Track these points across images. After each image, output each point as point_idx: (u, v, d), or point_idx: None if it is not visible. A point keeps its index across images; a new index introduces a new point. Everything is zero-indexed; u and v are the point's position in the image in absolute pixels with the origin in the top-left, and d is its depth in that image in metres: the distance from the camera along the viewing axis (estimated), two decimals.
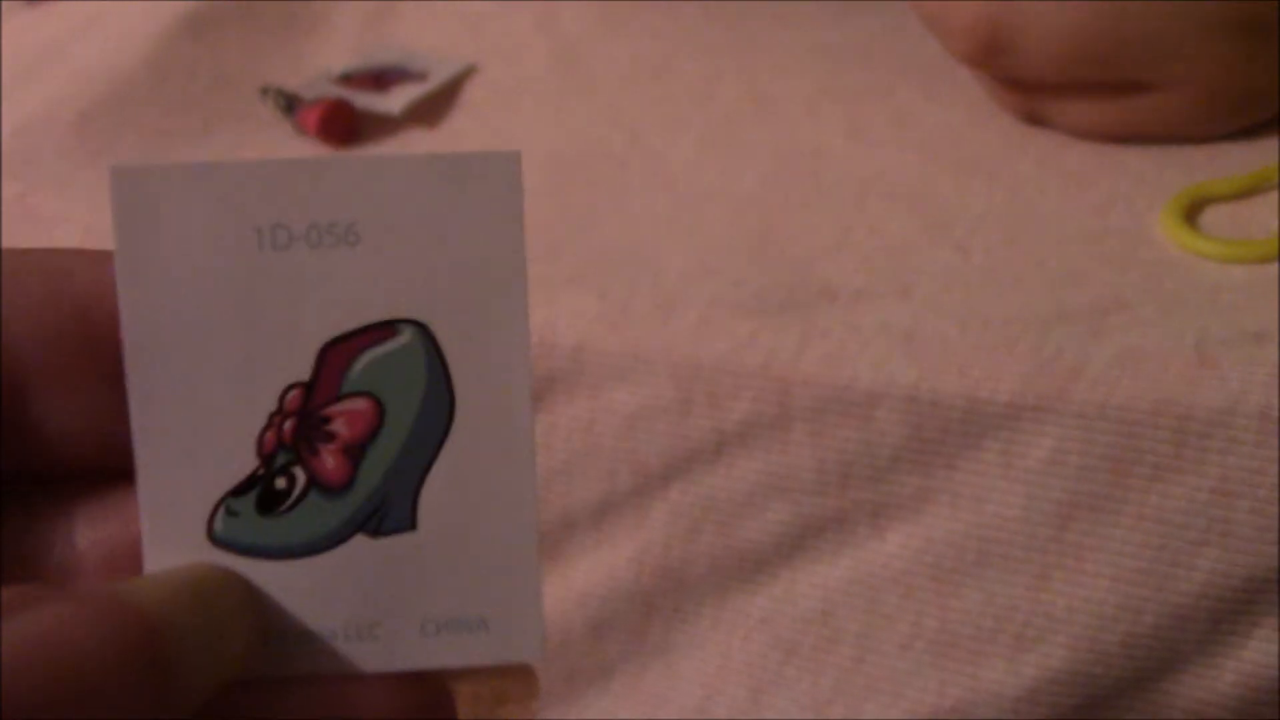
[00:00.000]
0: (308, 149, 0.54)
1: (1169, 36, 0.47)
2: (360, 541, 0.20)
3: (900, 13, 0.58)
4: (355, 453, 0.20)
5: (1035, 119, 0.52)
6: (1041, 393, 0.41)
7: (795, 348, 0.43)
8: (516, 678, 0.22)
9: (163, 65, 0.59)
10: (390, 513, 0.20)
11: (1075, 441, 0.40)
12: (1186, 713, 0.41)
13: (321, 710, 0.20)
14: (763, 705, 0.45)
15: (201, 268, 0.19)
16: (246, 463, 0.20)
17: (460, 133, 0.57)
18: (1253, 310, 0.42)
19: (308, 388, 0.20)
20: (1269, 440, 0.39)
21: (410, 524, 0.20)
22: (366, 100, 0.56)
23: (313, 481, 0.20)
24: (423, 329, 0.20)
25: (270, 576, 0.20)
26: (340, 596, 0.20)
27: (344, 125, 0.55)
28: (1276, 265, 0.44)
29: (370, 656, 0.20)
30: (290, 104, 0.56)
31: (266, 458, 0.20)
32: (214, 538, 0.20)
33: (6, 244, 0.20)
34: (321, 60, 0.62)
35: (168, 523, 0.20)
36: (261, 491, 0.20)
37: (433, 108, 0.58)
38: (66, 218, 0.50)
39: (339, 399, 0.20)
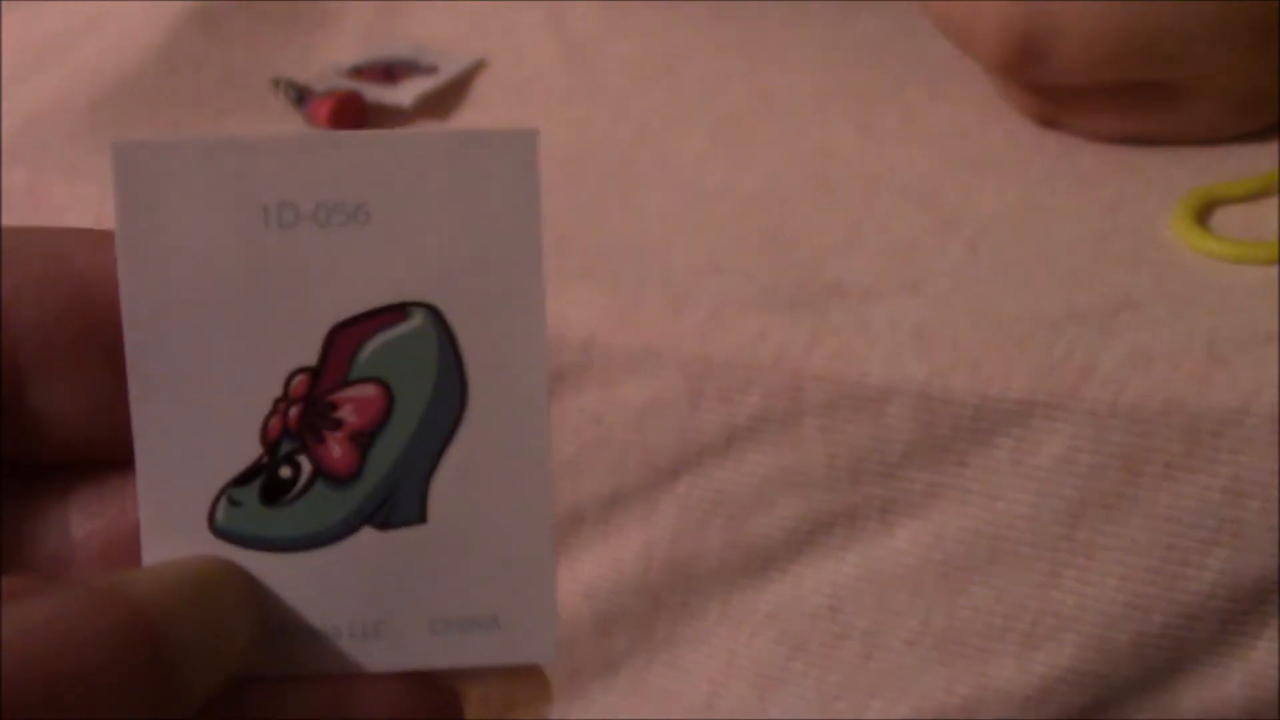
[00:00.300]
0: None
1: (1203, 38, 0.46)
2: (367, 535, 0.19)
3: (909, 12, 0.58)
4: (363, 441, 0.19)
5: (1052, 123, 0.52)
6: (1053, 391, 0.41)
7: (806, 343, 0.43)
8: (528, 680, 0.21)
9: (172, 58, 0.59)
10: (399, 505, 0.19)
11: (1086, 440, 0.40)
12: (1194, 713, 0.41)
13: (325, 711, 0.19)
14: (769, 701, 0.45)
15: (205, 247, 0.19)
16: (250, 451, 0.19)
17: (470, 125, 0.56)
18: (1264, 311, 0.42)
19: (314, 373, 0.19)
20: None
21: (420, 516, 0.19)
22: (377, 93, 0.56)
23: (319, 471, 0.19)
24: (434, 312, 0.19)
25: (273, 570, 0.19)
26: (346, 592, 0.19)
27: (354, 117, 0.55)
28: None
29: (376, 655, 0.19)
30: (301, 96, 0.56)
31: (271, 446, 0.19)
32: (215, 529, 0.19)
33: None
34: (330, 54, 0.62)
35: (167, 512, 0.19)
36: (265, 481, 0.19)
37: (442, 101, 0.58)
38: (75, 205, 0.50)
39: (347, 385, 0.19)
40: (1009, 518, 0.41)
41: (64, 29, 0.63)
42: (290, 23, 0.64)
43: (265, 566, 0.19)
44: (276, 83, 0.57)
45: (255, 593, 0.19)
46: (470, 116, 0.57)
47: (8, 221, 0.50)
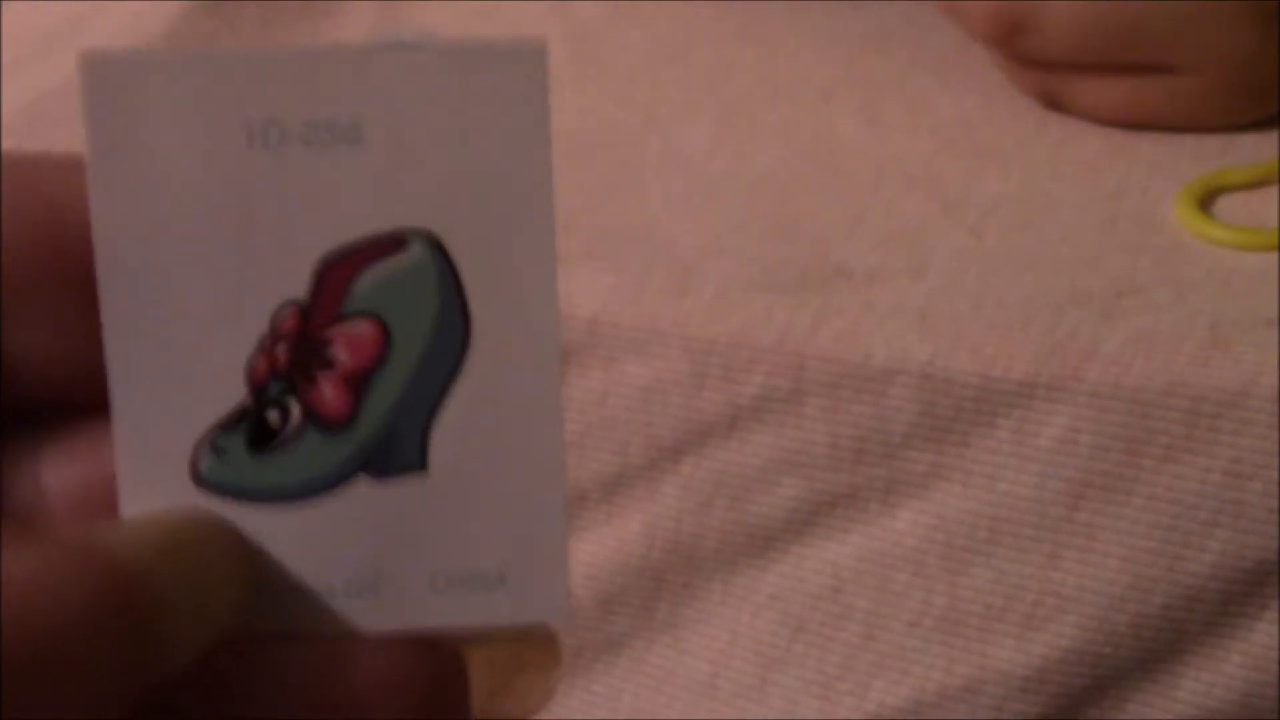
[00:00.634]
0: None
1: (1190, 19, 0.47)
2: (363, 484, 0.18)
3: (914, 2, 0.58)
4: (357, 383, 0.18)
5: (1052, 101, 0.52)
6: (1055, 372, 0.41)
7: (810, 324, 0.43)
8: (536, 642, 0.20)
9: (182, 40, 0.60)
10: (397, 451, 0.18)
11: (1088, 421, 0.41)
12: (1193, 693, 0.41)
13: (318, 674, 0.17)
14: (770, 682, 0.45)
15: (184, 169, 0.17)
16: (235, 393, 0.18)
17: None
18: (1266, 296, 0.42)
19: (304, 308, 0.18)
20: None
21: (419, 464, 0.18)
22: None
23: (309, 415, 0.18)
24: (435, 242, 0.18)
25: (262, 524, 0.18)
26: (340, 546, 0.18)
27: None
28: None
29: (373, 614, 0.18)
30: None
31: (257, 388, 0.18)
32: (198, 479, 0.18)
33: None
34: (337, 39, 0.62)
35: (146, 461, 0.18)
36: (251, 426, 0.18)
37: None
38: None
39: (339, 320, 0.18)
40: (1010, 499, 0.42)
41: (73, 14, 0.63)
42: (298, 11, 0.64)
43: (253, 519, 0.18)
44: None
45: (242, 548, 0.18)
46: None
47: None
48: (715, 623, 0.45)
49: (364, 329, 0.18)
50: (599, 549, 0.46)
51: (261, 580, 0.18)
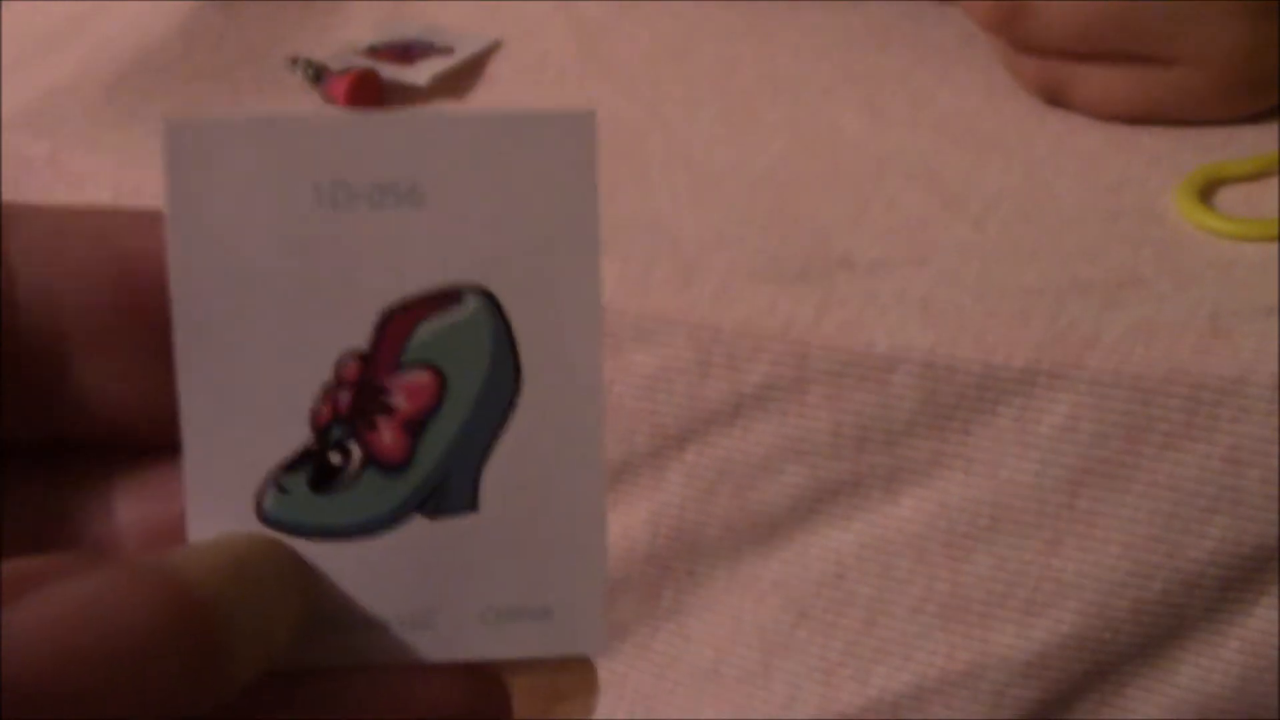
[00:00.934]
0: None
1: (1189, 11, 0.47)
2: (418, 523, 0.19)
3: None
4: (415, 428, 0.19)
5: (1053, 93, 0.53)
6: (1056, 360, 0.41)
7: (814, 313, 0.43)
8: (576, 672, 0.21)
9: (190, 35, 0.60)
10: (450, 493, 0.19)
11: (1088, 409, 0.41)
12: (1191, 678, 0.42)
13: (373, 702, 0.19)
14: (773, 667, 0.45)
15: (256, 226, 0.18)
16: (299, 436, 0.19)
17: (486, 105, 0.57)
18: (1266, 286, 0.43)
19: (365, 357, 0.19)
20: None
21: (471, 505, 0.19)
22: (392, 71, 0.57)
23: (369, 458, 0.19)
24: (488, 297, 0.19)
25: (322, 559, 0.19)
26: (396, 581, 0.19)
27: (372, 95, 0.56)
28: None
29: (427, 645, 0.19)
30: (319, 74, 0.56)
31: (320, 431, 0.19)
32: (263, 516, 0.19)
33: (37, 200, 0.19)
34: (345, 35, 0.62)
35: (214, 499, 0.19)
36: (315, 467, 0.19)
37: (458, 81, 0.59)
38: (95, 176, 0.51)
39: (399, 369, 0.19)
40: (1011, 486, 0.42)
41: (73, 14, 0.64)
42: (307, 3, 0.65)
43: (314, 555, 0.19)
44: (294, 61, 0.58)
45: (302, 571, 0.19)
46: (485, 96, 0.58)
47: (29, 192, 0.51)
48: (719, 609, 0.46)
49: (422, 378, 0.19)
50: None
51: (321, 611, 0.19)
